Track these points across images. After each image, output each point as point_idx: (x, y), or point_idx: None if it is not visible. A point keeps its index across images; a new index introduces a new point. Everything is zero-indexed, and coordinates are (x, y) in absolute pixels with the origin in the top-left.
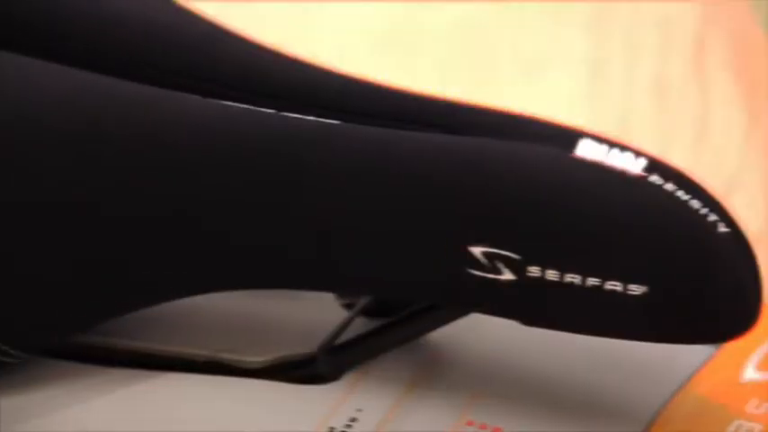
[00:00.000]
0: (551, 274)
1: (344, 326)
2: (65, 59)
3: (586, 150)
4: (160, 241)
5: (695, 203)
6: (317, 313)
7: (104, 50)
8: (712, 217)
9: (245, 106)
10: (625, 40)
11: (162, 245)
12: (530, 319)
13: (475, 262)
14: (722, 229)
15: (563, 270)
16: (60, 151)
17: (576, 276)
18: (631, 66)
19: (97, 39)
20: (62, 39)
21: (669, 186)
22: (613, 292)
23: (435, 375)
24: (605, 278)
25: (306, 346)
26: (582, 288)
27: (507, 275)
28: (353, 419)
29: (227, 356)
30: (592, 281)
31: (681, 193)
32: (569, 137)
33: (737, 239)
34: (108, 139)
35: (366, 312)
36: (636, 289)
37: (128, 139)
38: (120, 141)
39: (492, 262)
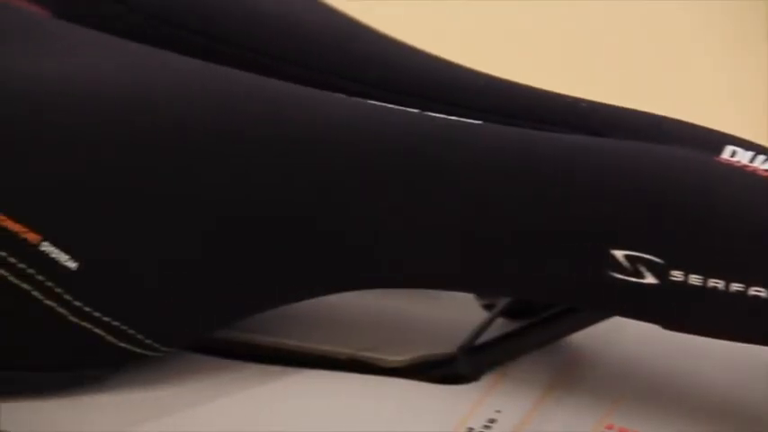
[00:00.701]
0: (694, 279)
1: (485, 327)
2: (208, 56)
3: (732, 155)
4: (300, 240)
5: None
6: (456, 313)
7: (248, 48)
8: None
9: (389, 106)
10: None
11: (302, 244)
12: (671, 324)
13: (617, 265)
14: None
15: (706, 275)
16: (202, 151)
17: (720, 281)
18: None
19: (242, 37)
20: (208, 37)
21: None
22: (757, 297)
23: (575, 378)
24: (749, 284)
25: (446, 345)
26: (725, 293)
27: (649, 279)
28: (492, 420)
29: (368, 355)
30: (735, 286)
31: None
32: (715, 141)
33: None
34: (251, 138)
35: (506, 313)
36: None
37: (271, 139)
38: (264, 140)
39: (634, 265)
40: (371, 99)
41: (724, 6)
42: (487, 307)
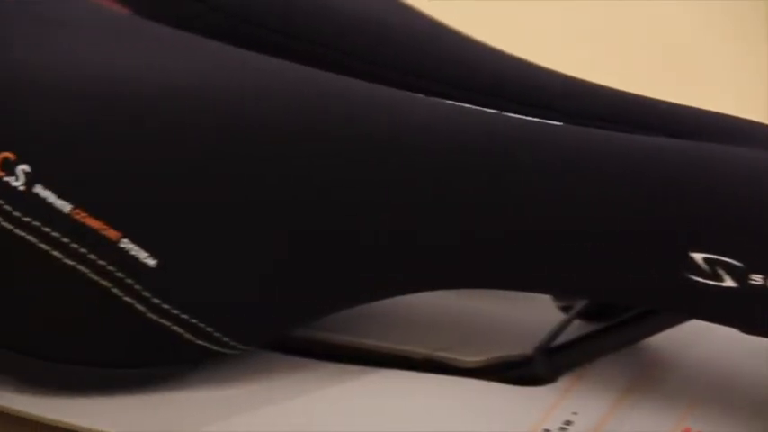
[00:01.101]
0: None
1: (562, 328)
2: (289, 56)
3: None
4: (377, 240)
5: None
6: (533, 314)
7: (331, 48)
8: None
9: (468, 106)
10: None
11: (378, 243)
12: (750, 328)
13: (696, 268)
14: None
15: None
16: (283, 150)
17: None
18: None
19: (324, 37)
20: (287, 36)
21: None
22: None
23: (652, 380)
24: None
25: (522, 346)
26: None
27: (728, 282)
28: (568, 422)
29: (443, 355)
30: None
31: None
32: None
33: None
34: (331, 138)
35: (583, 315)
36: None
37: (350, 139)
38: (343, 141)
39: (713, 268)
40: (450, 99)
41: (724, 6)
42: (564, 308)
